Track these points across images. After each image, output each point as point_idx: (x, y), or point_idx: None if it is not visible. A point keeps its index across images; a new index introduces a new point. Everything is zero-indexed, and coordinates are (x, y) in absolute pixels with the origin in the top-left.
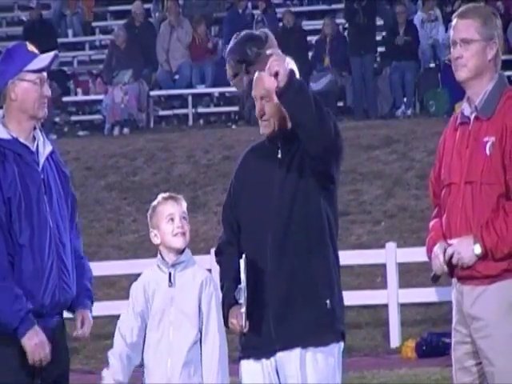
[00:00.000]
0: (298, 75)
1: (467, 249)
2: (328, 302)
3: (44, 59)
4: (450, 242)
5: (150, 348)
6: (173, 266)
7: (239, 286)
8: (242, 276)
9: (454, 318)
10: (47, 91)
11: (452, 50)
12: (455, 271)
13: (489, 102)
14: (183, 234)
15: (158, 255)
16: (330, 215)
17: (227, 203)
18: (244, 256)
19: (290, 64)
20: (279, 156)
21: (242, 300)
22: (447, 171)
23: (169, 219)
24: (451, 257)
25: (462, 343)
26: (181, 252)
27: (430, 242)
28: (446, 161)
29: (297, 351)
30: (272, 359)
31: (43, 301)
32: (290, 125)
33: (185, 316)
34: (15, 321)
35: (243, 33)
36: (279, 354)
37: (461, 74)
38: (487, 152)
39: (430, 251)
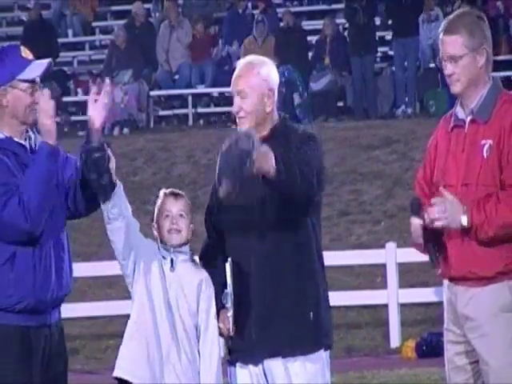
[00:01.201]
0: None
1: (457, 213)
2: (311, 313)
3: (37, 68)
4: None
5: (147, 326)
6: (175, 251)
7: (225, 291)
8: (228, 280)
9: (446, 319)
10: (39, 98)
11: (443, 64)
12: (447, 272)
13: (485, 106)
14: (177, 231)
15: (159, 244)
16: (314, 220)
17: (210, 207)
18: (229, 260)
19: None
20: None
21: (229, 304)
22: (440, 174)
23: (165, 216)
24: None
25: (454, 343)
26: (182, 244)
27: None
28: (439, 164)
29: (284, 359)
30: (259, 366)
31: (42, 297)
32: (268, 127)
33: (182, 303)
34: None
35: (234, 153)
36: (266, 361)
37: (455, 89)
38: (484, 155)
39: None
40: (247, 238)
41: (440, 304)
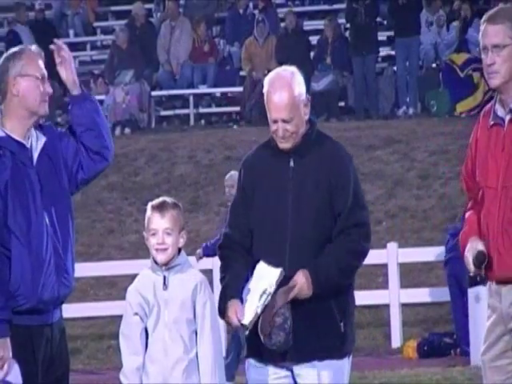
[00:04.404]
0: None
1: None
2: (342, 324)
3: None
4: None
5: (147, 349)
6: (167, 269)
7: (267, 290)
8: (273, 283)
9: (489, 320)
10: (49, 88)
11: (483, 56)
12: (492, 274)
13: None
14: (164, 250)
15: (151, 257)
16: None
17: (239, 204)
18: (282, 270)
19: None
20: (291, 165)
21: (262, 302)
22: (482, 175)
23: (151, 233)
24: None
25: (495, 343)
26: (167, 262)
27: (462, 236)
28: (479, 163)
29: (315, 365)
30: (289, 369)
31: (42, 296)
32: (301, 134)
33: (179, 318)
34: None
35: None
36: (296, 366)
37: (494, 82)
38: None
39: (462, 246)
40: (280, 243)
41: (441, 304)
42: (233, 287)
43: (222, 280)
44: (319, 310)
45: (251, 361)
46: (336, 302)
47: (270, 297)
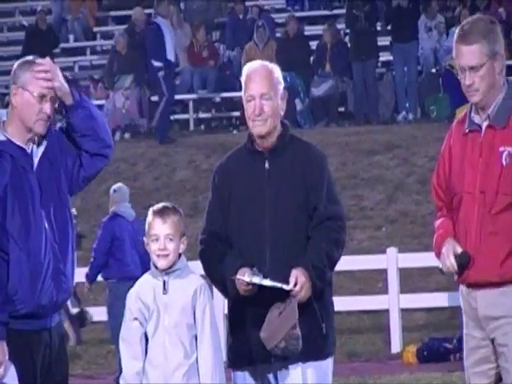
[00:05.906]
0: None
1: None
2: (324, 325)
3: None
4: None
5: (147, 354)
6: (167, 273)
7: (271, 284)
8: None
9: (466, 325)
10: (47, 109)
11: (461, 75)
12: (465, 277)
13: (502, 111)
14: (165, 255)
15: (151, 263)
16: None
17: (216, 208)
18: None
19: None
20: (267, 166)
21: (269, 282)
22: (458, 181)
23: (153, 239)
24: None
25: (477, 348)
26: (168, 267)
27: (438, 239)
28: (455, 169)
29: (299, 367)
30: (272, 372)
31: (40, 301)
32: (276, 133)
33: (179, 323)
34: None
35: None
36: (280, 368)
37: (475, 99)
38: (503, 162)
39: (438, 248)
40: (259, 247)
41: (441, 309)
42: (235, 265)
43: (216, 271)
44: (303, 311)
45: (237, 372)
46: (318, 304)
47: (272, 281)
